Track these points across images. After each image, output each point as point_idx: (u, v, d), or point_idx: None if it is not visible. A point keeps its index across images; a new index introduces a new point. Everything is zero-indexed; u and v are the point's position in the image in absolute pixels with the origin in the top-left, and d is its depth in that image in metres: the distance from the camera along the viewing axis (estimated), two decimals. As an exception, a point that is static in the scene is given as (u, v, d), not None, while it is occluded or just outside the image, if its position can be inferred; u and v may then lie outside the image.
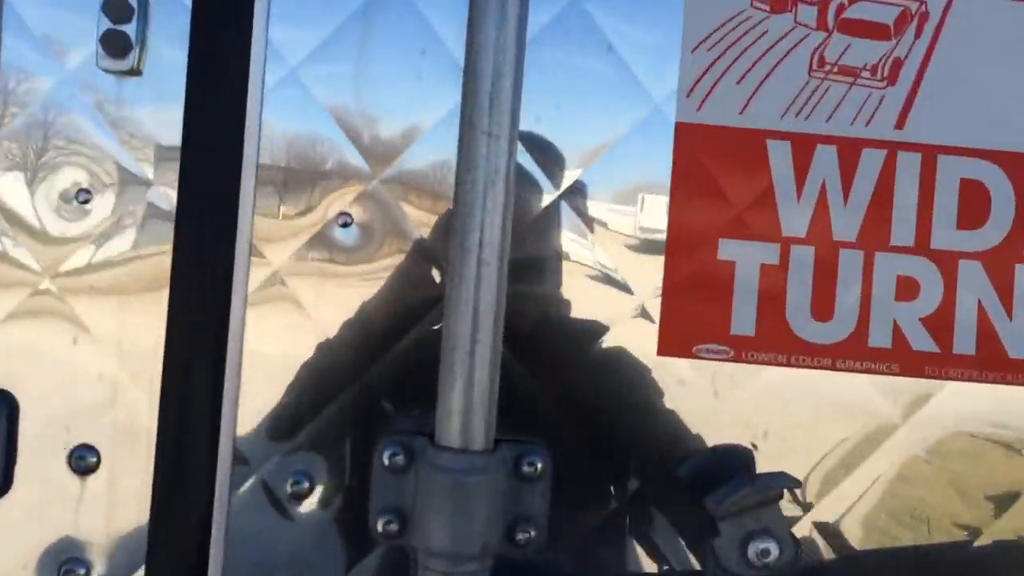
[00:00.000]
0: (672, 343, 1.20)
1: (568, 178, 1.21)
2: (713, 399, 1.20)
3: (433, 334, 1.18)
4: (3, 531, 1.21)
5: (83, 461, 1.22)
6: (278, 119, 1.20)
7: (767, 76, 1.22)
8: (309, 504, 1.22)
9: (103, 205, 1.21)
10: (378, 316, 1.21)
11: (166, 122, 1.21)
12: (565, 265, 1.21)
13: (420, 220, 1.22)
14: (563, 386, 1.20)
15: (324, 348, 1.21)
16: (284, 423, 1.22)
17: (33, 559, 1.21)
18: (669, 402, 1.20)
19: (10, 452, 1.20)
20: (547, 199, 1.22)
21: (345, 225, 1.21)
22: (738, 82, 1.22)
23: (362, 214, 1.21)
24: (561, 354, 1.20)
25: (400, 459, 1.12)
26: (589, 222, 1.21)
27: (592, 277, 1.21)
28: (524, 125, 1.13)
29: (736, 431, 1.19)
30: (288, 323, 1.22)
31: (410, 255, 1.21)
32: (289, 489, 1.22)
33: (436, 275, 1.22)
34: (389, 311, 1.21)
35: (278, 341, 1.22)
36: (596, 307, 1.20)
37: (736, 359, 1.20)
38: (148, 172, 1.21)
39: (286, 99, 1.20)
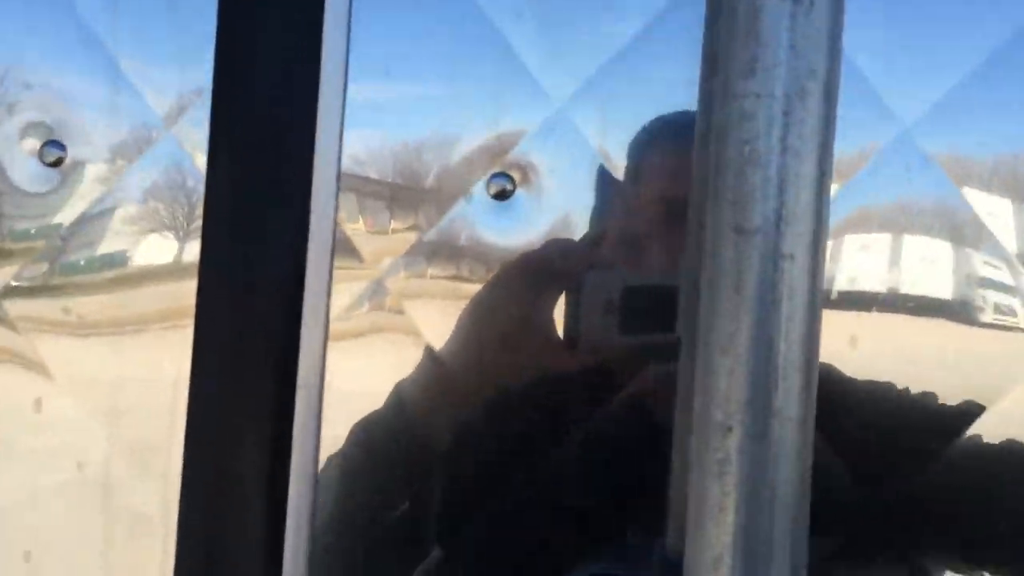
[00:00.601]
0: None
1: (920, 104, 0.65)
2: None
3: (668, 393, 0.63)
4: None
5: (53, 611, 0.71)
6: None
7: None
8: None
9: (84, 169, 0.71)
10: (560, 356, 0.67)
11: (186, 29, 0.70)
12: (925, 276, 0.65)
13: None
14: (934, 491, 0.64)
15: (460, 408, 0.68)
16: (391, 543, 0.69)
17: None
18: None
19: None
20: (882, 145, 0.66)
21: (502, 195, 0.68)
22: None
23: (532, 176, 0.68)
24: (927, 436, 0.64)
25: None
26: (982, 192, 0.65)
27: (991, 308, 0.65)
28: None
29: None
30: (397, 365, 0.69)
31: (622, 246, 0.67)
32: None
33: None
34: (583, 349, 0.67)
35: (379, 395, 0.68)
36: (997, 353, 0.64)
37: None
38: (162, 109, 0.70)
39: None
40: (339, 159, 0.69)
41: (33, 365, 0.70)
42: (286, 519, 0.69)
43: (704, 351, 0.57)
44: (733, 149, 0.56)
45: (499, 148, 0.68)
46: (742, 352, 0.55)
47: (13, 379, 0.71)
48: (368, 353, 0.71)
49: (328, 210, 0.69)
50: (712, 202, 0.57)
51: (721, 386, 0.55)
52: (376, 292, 0.69)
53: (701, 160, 0.64)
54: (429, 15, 0.69)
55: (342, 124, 0.69)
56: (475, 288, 0.68)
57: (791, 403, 0.55)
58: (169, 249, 0.71)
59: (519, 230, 0.68)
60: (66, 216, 0.71)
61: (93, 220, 0.71)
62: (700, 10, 0.61)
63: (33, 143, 0.71)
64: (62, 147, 0.70)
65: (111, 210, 0.71)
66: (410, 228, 0.68)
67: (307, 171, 0.69)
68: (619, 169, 0.68)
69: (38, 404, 0.70)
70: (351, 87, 0.68)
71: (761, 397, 0.55)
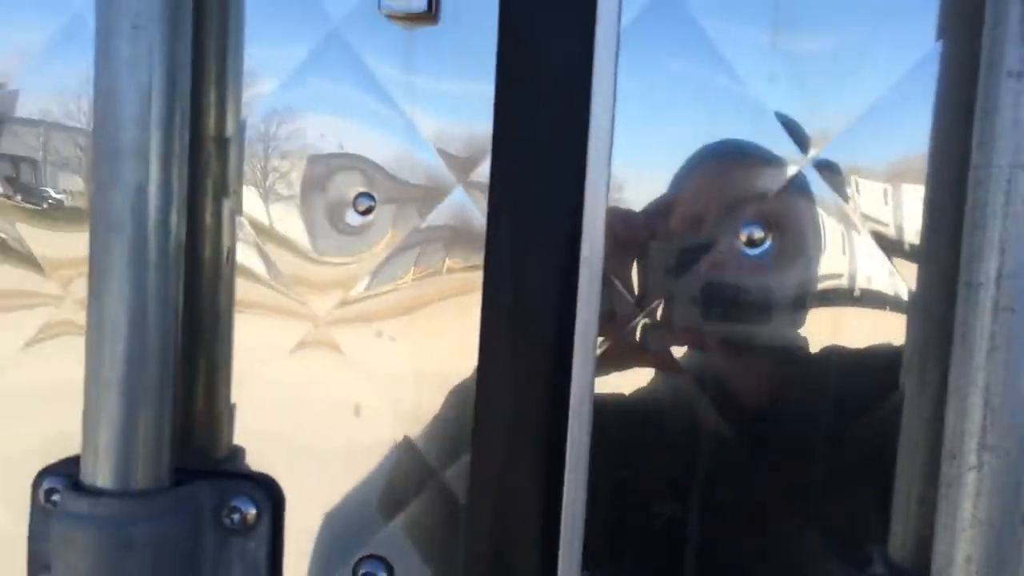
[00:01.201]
0: None
1: None
2: None
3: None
4: None
5: (372, 582, 0.86)
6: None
7: None
8: None
9: (388, 216, 0.84)
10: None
11: (473, 92, 0.81)
12: None
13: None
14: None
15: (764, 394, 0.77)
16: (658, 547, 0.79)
17: None
18: None
19: (276, 571, 0.85)
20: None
21: (752, 243, 0.76)
22: None
23: (784, 226, 0.76)
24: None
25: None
26: None
27: None
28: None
29: None
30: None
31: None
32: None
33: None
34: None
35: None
36: None
37: None
38: (450, 167, 0.82)
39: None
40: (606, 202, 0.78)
41: (353, 371, 0.85)
42: (560, 519, 0.79)
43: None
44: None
45: (750, 197, 0.77)
46: None
47: (333, 382, 0.85)
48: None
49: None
50: None
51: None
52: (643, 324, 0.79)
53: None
54: (685, 65, 0.78)
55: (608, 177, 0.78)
56: (724, 329, 0.78)
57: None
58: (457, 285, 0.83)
59: (769, 276, 0.76)
60: (376, 257, 0.84)
61: (396, 259, 0.84)
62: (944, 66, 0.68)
63: (348, 194, 0.84)
64: (371, 198, 0.83)
65: (409, 251, 0.84)
66: (663, 273, 0.78)
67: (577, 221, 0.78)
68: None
69: (357, 412, 0.85)
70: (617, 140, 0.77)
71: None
